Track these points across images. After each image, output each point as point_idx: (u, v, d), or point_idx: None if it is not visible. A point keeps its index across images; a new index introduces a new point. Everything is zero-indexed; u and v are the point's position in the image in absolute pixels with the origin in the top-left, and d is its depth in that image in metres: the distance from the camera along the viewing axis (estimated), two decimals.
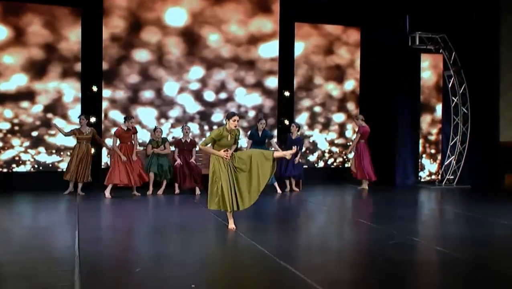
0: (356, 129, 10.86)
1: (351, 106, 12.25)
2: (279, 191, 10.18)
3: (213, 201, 6.52)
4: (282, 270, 4.83)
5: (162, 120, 10.96)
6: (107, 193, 9.10)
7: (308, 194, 10.12)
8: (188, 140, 10.02)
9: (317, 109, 12.03)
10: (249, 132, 10.28)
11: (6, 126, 10.04)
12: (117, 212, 8.06)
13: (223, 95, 11.32)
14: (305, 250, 5.80)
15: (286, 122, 11.61)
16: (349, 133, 12.28)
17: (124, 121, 9.49)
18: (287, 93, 11.60)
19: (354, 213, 8.27)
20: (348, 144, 12.24)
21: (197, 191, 9.87)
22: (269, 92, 11.58)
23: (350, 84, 12.22)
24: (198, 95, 11.15)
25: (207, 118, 11.23)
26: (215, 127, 11.10)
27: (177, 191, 9.75)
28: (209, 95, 11.23)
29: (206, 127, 11.24)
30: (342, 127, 12.24)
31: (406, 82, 11.62)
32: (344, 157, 12.27)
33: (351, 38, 12.14)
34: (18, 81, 10.05)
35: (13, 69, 9.99)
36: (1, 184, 9.82)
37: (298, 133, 10.38)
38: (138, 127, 10.65)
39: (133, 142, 9.49)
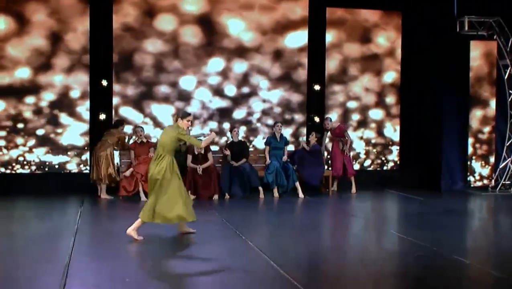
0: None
1: (390, 100, 11.84)
2: (301, 195, 10.01)
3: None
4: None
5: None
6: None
7: (343, 200, 9.97)
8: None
9: (352, 104, 11.66)
10: (265, 138, 10.26)
11: (9, 123, 10.08)
12: (121, 218, 7.96)
13: (245, 90, 11.09)
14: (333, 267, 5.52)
15: (316, 119, 11.30)
16: (388, 131, 11.85)
17: (133, 133, 9.59)
18: (317, 87, 11.31)
19: (387, 223, 7.90)
20: (388, 144, 11.82)
21: (215, 197, 9.71)
22: (297, 85, 11.29)
23: (390, 76, 11.81)
24: (217, 90, 10.95)
25: (227, 116, 11.02)
26: (239, 125, 10.90)
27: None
28: (230, 90, 11.02)
29: (226, 125, 11.02)
30: (380, 124, 11.82)
31: (454, 73, 11.14)
32: (383, 158, 11.86)
33: (390, 24, 11.73)
34: (21, 74, 10.08)
35: (16, 61, 10.03)
36: (2, 186, 9.85)
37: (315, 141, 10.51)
38: (150, 128, 10.57)
39: (150, 156, 9.55)
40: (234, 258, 5.73)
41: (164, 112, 10.74)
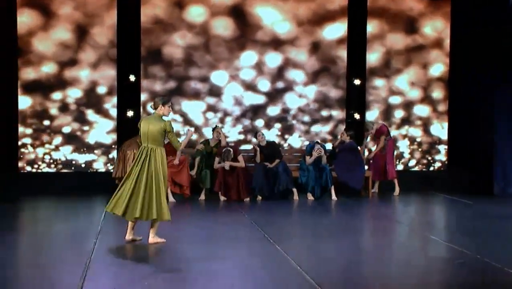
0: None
1: (437, 95, 11.48)
2: (334, 197, 9.84)
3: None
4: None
5: (209, 115, 10.77)
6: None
7: (383, 203, 9.74)
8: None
9: (395, 100, 11.34)
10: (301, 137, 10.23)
11: (35, 120, 10.21)
12: None
13: (280, 85, 10.93)
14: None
15: (356, 116, 11.05)
16: (435, 129, 11.48)
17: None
18: (357, 81, 11.05)
19: (431, 229, 7.61)
20: (435, 143, 11.47)
21: (246, 198, 9.61)
22: (335, 80, 11.06)
23: (437, 69, 11.45)
24: (250, 85, 10.84)
25: (261, 112, 10.90)
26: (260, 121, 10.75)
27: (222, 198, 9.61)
28: (264, 85, 10.89)
29: (259, 122, 10.89)
30: (426, 121, 11.46)
31: (508, 66, 10.68)
32: (429, 158, 11.50)
33: (438, 12, 11.36)
34: (47, 69, 10.20)
35: (42, 56, 10.15)
36: (27, 185, 9.99)
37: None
38: (179, 125, 10.56)
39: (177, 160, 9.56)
40: (259, 262, 5.60)
41: (194, 108, 10.70)
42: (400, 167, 11.37)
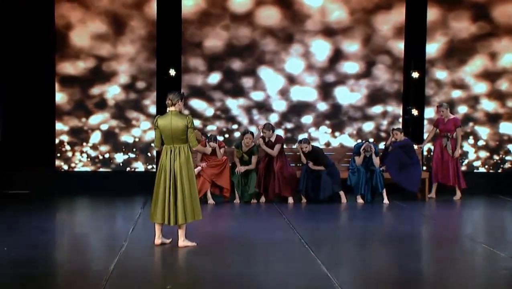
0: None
1: (507, 89, 11.26)
2: (386, 201, 9.87)
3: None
4: None
5: (260, 115, 11.07)
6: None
7: (441, 208, 9.70)
8: (272, 139, 9.94)
9: (458, 94, 11.24)
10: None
11: (73, 117, 10.76)
12: None
13: (330, 78, 11.06)
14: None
15: (414, 112, 11.03)
16: (504, 126, 11.29)
17: (207, 140, 9.75)
18: (415, 74, 11.02)
19: (491, 240, 7.55)
20: (504, 142, 11.30)
21: (290, 200, 9.80)
22: (391, 73, 11.09)
23: (507, 60, 11.22)
24: (298, 79, 11.02)
25: (310, 108, 11.06)
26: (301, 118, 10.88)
27: (261, 200, 9.86)
28: (312, 79, 11.05)
29: (307, 118, 11.05)
30: (494, 118, 11.29)
31: None
32: (497, 158, 11.33)
33: None
34: (85, 64, 10.72)
35: (79, 50, 10.68)
36: (64, 184, 10.57)
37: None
38: (222, 122, 10.83)
39: (218, 153, 9.80)
40: (288, 267, 5.79)
41: (237, 104, 10.98)
42: (463, 168, 11.27)
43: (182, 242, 6.67)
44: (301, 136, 10.83)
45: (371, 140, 10.74)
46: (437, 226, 8.30)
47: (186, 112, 10.62)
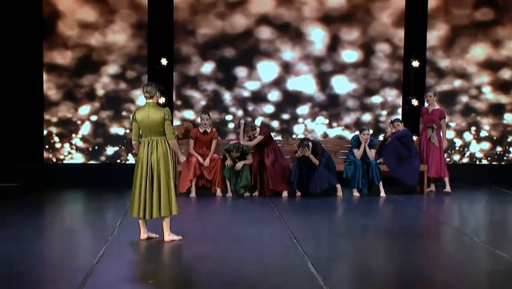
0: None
1: (511, 78, 11.43)
2: (382, 194, 10.03)
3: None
4: None
5: (254, 106, 11.26)
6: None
7: (441, 202, 9.85)
8: (257, 135, 10.11)
9: (459, 83, 11.40)
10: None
11: (62, 109, 10.99)
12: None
13: (326, 67, 11.24)
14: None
15: (414, 102, 11.19)
16: (508, 117, 11.45)
17: (200, 114, 9.96)
18: (415, 63, 11.17)
19: (484, 233, 7.75)
20: (508, 133, 11.47)
21: (284, 194, 10.01)
22: (390, 61, 11.25)
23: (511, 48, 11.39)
24: (293, 68, 11.20)
25: (304, 99, 11.25)
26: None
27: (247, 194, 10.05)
28: (307, 68, 11.23)
29: (303, 109, 11.24)
30: (497, 108, 11.45)
31: None
32: (501, 150, 11.50)
33: None
34: (73, 53, 10.93)
35: (67, 39, 10.88)
36: (53, 177, 10.82)
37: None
38: (216, 115, 11.02)
39: (212, 147, 9.98)
40: (274, 263, 6.01)
41: (231, 94, 11.18)
42: (465, 160, 11.46)
43: (168, 236, 6.89)
44: (296, 128, 11.05)
45: (371, 131, 10.89)
46: (432, 221, 8.45)
47: (178, 102, 10.92)
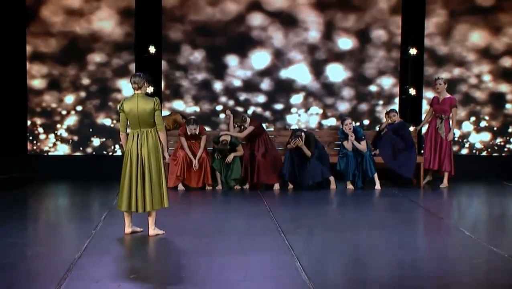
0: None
1: None
2: (377, 187, 10.19)
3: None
4: None
5: (246, 96, 11.34)
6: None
7: (439, 195, 9.98)
8: (247, 126, 10.22)
9: (458, 72, 11.53)
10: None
11: (46, 99, 11.12)
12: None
13: (320, 55, 11.35)
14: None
15: (412, 91, 11.30)
16: (510, 107, 11.59)
17: (187, 124, 10.06)
18: (413, 51, 11.27)
19: (489, 230, 7.89)
20: (509, 123, 11.60)
21: (276, 186, 10.17)
22: (387, 49, 11.38)
23: None
24: (284, 56, 11.32)
25: (299, 88, 11.39)
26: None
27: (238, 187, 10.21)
28: (297, 56, 11.35)
29: (297, 98, 11.38)
30: (498, 97, 11.57)
31: None
32: (501, 141, 11.63)
33: None
34: (57, 40, 11.04)
35: (51, 25, 10.99)
36: (38, 169, 10.99)
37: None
38: (206, 106, 11.14)
39: (200, 144, 10.06)
40: (259, 257, 6.16)
41: (225, 84, 11.31)
42: (464, 151, 11.59)
43: (153, 230, 7.04)
44: (289, 118, 11.21)
45: (344, 118, 11.00)
46: (426, 215, 8.57)
47: (167, 92, 11.04)
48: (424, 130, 11.22)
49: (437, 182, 10.59)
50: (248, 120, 10.22)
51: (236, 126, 10.29)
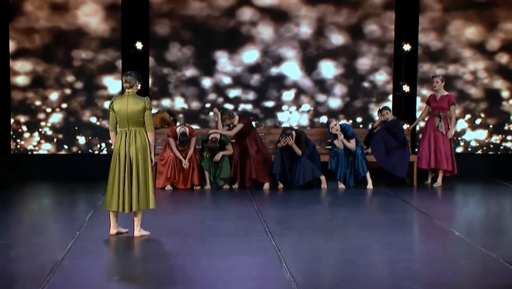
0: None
1: (509, 63, 11.68)
2: (369, 186, 10.35)
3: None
4: None
5: (236, 92, 11.48)
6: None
7: (433, 195, 10.13)
8: (236, 123, 10.34)
9: (453, 69, 11.68)
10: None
11: (30, 96, 11.24)
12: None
13: (312, 51, 11.49)
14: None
15: (406, 88, 11.43)
16: (507, 104, 11.76)
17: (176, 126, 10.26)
18: (407, 47, 11.39)
19: (479, 233, 8.02)
20: (505, 121, 11.76)
21: (265, 186, 10.31)
22: (380, 46, 11.53)
23: (509, 31, 11.63)
24: (275, 52, 11.45)
25: (290, 85, 11.53)
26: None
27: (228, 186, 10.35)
28: (293, 52, 11.49)
29: (289, 95, 11.52)
30: (495, 94, 11.73)
31: None
32: (497, 139, 11.78)
33: None
34: (44, 36, 11.16)
35: (34, 21, 11.10)
36: (19, 169, 11.10)
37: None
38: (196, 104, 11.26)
39: (191, 146, 10.20)
40: (245, 259, 6.33)
41: (214, 81, 11.44)
42: (459, 149, 11.75)
43: (138, 231, 7.19)
44: (280, 116, 11.37)
45: (347, 121, 11.18)
46: (418, 216, 8.70)
47: (154, 89, 11.17)
48: (417, 127, 11.40)
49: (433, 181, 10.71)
50: (237, 117, 10.36)
51: (224, 124, 10.42)
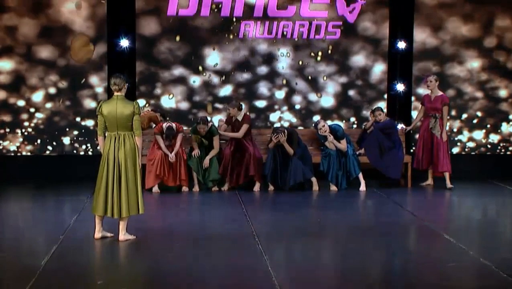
0: None
1: (508, 60, 11.97)
2: (362, 188, 10.62)
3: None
4: None
5: (225, 92, 11.73)
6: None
7: (424, 196, 10.42)
8: (240, 118, 10.65)
9: (450, 67, 11.93)
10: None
11: (12, 96, 11.49)
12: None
13: (304, 48, 11.75)
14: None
15: (400, 87, 11.68)
16: (503, 102, 12.04)
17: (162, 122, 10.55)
18: (402, 44, 11.67)
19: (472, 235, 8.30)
20: (502, 120, 12.03)
21: (256, 188, 10.60)
22: (373, 44, 11.77)
23: (507, 26, 11.91)
24: (266, 50, 11.71)
25: (279, 84, 11.80)
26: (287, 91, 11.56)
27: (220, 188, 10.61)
28: (283, 49, 11.74)
29: (280, 94, 11.79)
30: (492, 93, 11.99)
31: None
32: (493, 139, 12.04)
33: None
34: (26, 33, 11.41)
35: (16, 16, 11.35)
36: (5, 171, 11.30)
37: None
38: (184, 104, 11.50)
39: (177, 142, 10.46)
40: (230, 264, 6.63)
41: (199, 78, 11.69)
42: (455, 150, 12.02)
43: (123, 235, 7.49)
44: (271, 116, 11.64)
45: (341, 122, 11.48)
46: (408, 219, 8.90)
47: (141, 88, 11.42)
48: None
49: (438, 184, 10.93)
50: (242, 113, 10.63)
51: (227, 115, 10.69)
